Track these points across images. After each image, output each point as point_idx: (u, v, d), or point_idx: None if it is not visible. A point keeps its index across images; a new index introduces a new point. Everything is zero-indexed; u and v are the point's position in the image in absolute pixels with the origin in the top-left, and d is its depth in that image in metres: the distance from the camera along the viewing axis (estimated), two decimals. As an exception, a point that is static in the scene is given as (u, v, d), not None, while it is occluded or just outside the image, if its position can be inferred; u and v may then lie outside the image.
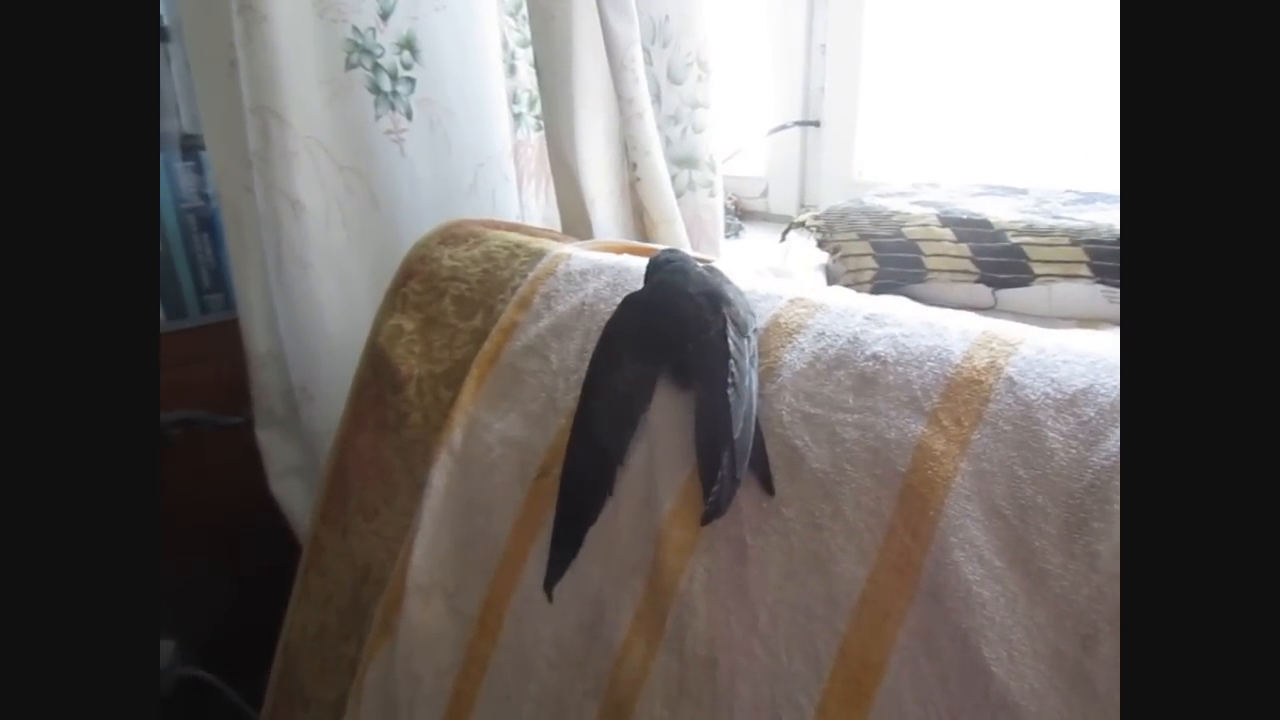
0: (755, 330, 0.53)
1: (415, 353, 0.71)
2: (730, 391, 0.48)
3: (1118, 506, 0.39)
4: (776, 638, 0.45)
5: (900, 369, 0.47)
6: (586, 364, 0.60)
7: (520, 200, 0.96)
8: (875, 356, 0.49)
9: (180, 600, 1.08)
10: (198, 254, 1.17)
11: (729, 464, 0.47)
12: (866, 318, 0.51)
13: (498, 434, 0.62)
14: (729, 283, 0.55)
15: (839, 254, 0.90)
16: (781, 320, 0.54)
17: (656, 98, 0.81)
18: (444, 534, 0.62)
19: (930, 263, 0.84)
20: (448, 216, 0.83)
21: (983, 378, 0.45)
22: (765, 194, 1.22)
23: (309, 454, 0.98)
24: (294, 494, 1.01)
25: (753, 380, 0.49)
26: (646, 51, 0.79)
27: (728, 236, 1.16)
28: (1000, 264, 0.80)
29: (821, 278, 0.92)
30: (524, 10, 0.87)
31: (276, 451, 1.03)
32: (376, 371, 0.74)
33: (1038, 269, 0.78)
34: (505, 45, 0.92)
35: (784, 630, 0.45)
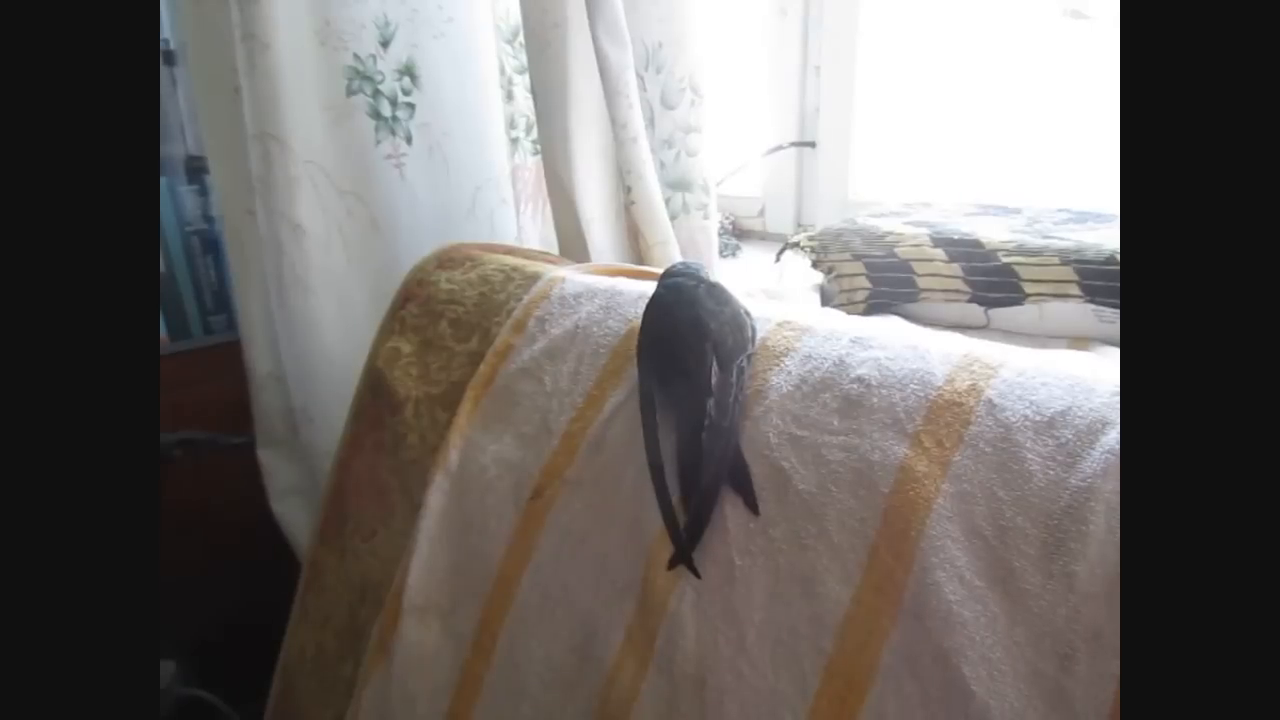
0: (749, 355, 0.54)
1: (413, 375, 0.72)
2: (705, 435, 0.49)
3: (1093, 528, 0.40)
4: (763, 657, 0.46)
5: (884, 391, 0.48)
6: (579, 386, 0.61)
7: (518, 223, 0.97)
8: (860, 379, 0.49)
9: (182, 620, 1.08)
10: (201, 275, 1.19)
11: (694, 509, 0.49)
12: (852, 341, 0.52)
13: (492, 455, 0.63)
14: (725, 305, 0.56)
15: (833, 274, 0.91)
16: (769, 343, 0.55)
17: (650, 122, 0.83)
18: (439, 555, 0.62)
19: (923, 282, 0.85)
20: (447, 239, 0.84)
21: (964, 400, 0.46)
22: (762, 213, 1.23)
23: (309, 474, 0.99)
24: (295, 514, 1.02)
25: (735, 414, 0.50)
26: (640, 77, 0.81)
27: (724, 256, 1.17)
28: (992, 283, 0.81)
29: (816, 298, 0.93)
30: (520, 38, 0.89)
31: (278, 471, 1.04)
32: (375, 394, 0.75)
33: (1029, 288, 0.79)
34: (502, 71, 0.94)
35: (771, 649, 0.46)
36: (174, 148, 1.17)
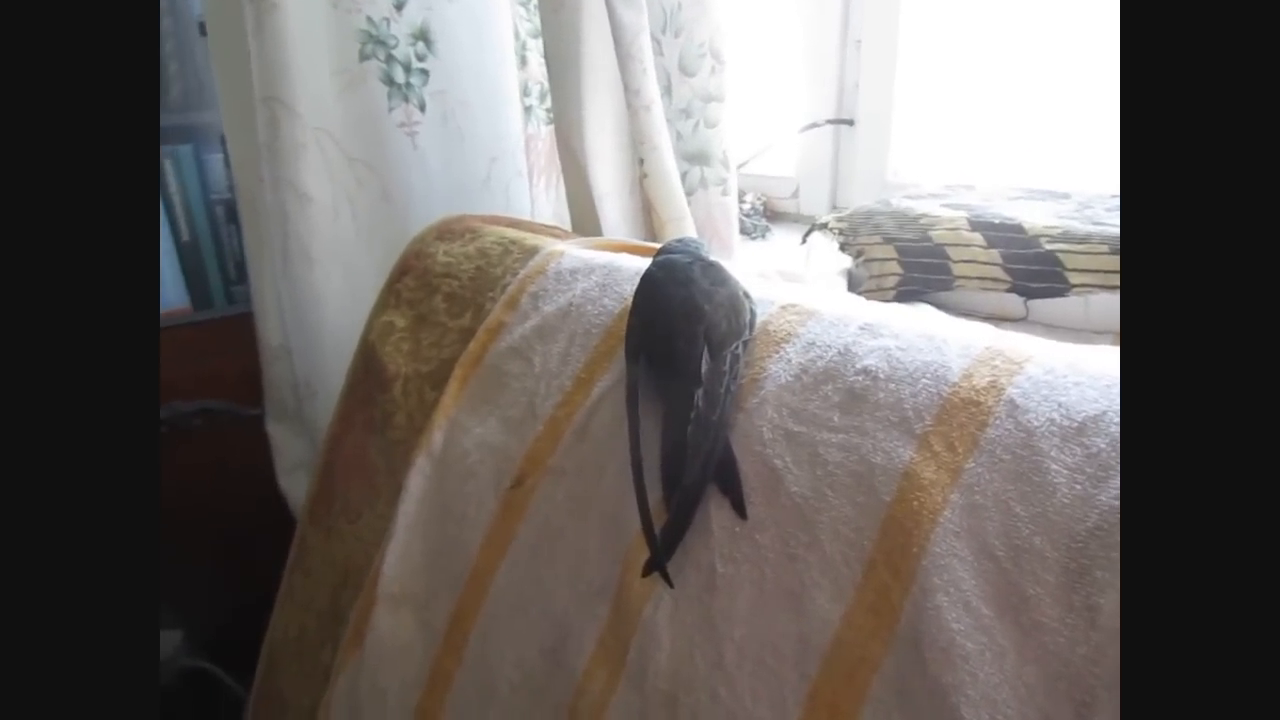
0: (745, 341, 0.49)
1: (404, 351, 0.69)
2: (690, 429, 0.44)
3: (1124, 554, 0.34)
4: (741, 678, 0.41)
5: (892, 386, 0.43)
6: (568, 368, 0.57)
7: (531, 195, 0.93)
8: (866, 371, 0.44)
9: (193, 590, 1.07)
10: (225, 245, 1.17)
11: (673, 511, 0.44)
12: (861, 327, 0.47)
13: (476, 439, 0.59)
14: (721, 285, 0.51)
15: (862, 258, 0.85)
16: (770, 328, 0.50)
17: (667, 90, 0.77)
18: (417, 542, 0.59)
19: (958, 269, 0.79)
20: (461, 211, 0.81)
21: (981, 399, 0.40)
22: (796, 194, 1.17)
23: (314, 449, 0.97)
24: (301, 488, 1.00)
25: (726, 406, 0.45)
26: (657, 41, 0.75)
27: (753, 237, 1.11)
28: (1033, 272, 0.74)
29: (843, 283, 0.87)
30: (534, -1, 0.84)
31: (286, 445, 1.02)
32: (367, 369, 0.71)
33: (1074, 278, 0.72)
34: (517, 36, 0.89)
35: (750, 670, 0.41)
36: (208, 116, 1.15)
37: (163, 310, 1.15)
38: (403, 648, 0.57)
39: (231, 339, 1.13)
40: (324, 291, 0.88)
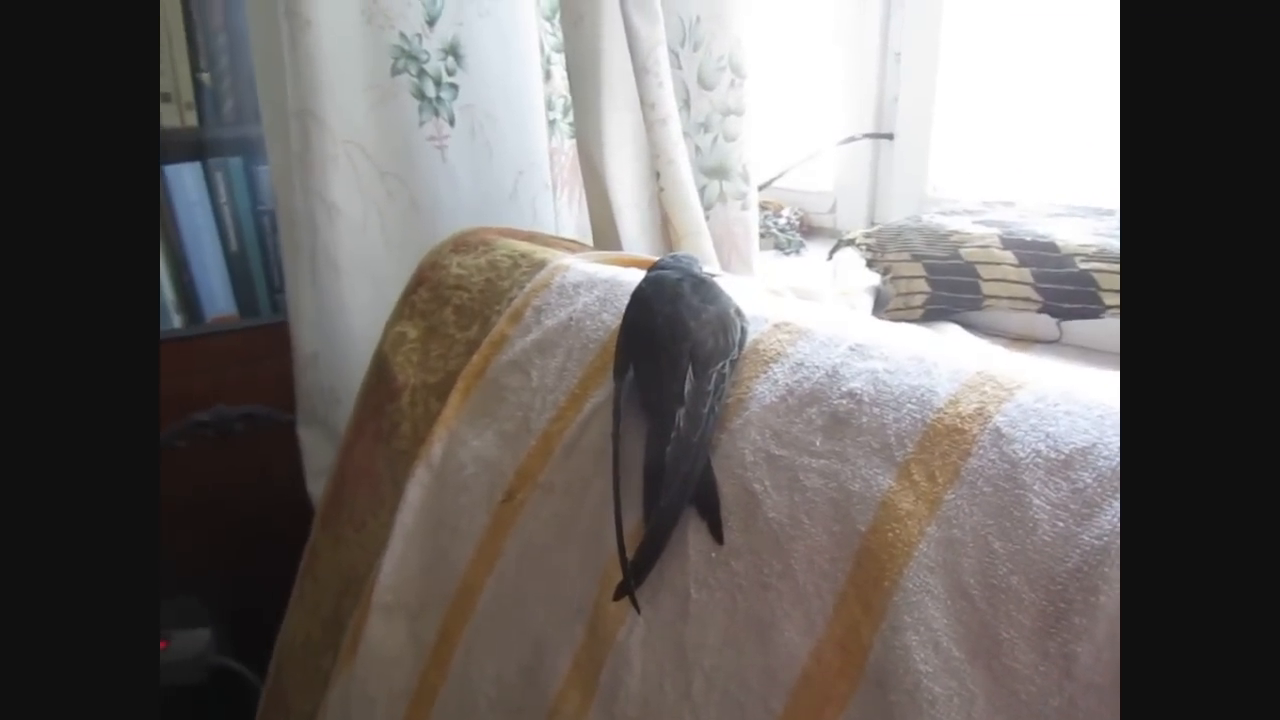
0: (732, 360, 0.48)
1: (414, 362, 0.69)
2: (670, 449, 0.43)
3: (1105, 599, 0.31)
4: (708, 709, 0.40)
5: (876, 410, 0.41)
6: (564, 383, 0.56)
7: (554, 208, 0.94)
8: (851, 394, 0.42)
9: (228, 590, 1.10)
10: (271, 255, 1.20)
11: (648, 534, 0.43)
12: (851, 348, 0.45)
13: (473, 452, 0.59)
14: (711, 303, 0.50)
15: (889, 275, 0.82)
16: (760, 347, 0.48)
17: (685, 104, 0.77)
18: (413, 553, 0.59)
19: (988, 288, 0.75)
20: (488, 224, 0.81)
21: (966, 427, 0.38)
22: (833, 209, 1.15)
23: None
24: (326, 495, 1.02)
25: (708, 427, 0.44)
26: (675, 54, 0.75)
27: (787, 253, 1.09)
28: (1066, 292, 0.70)
29: (870, 301, 0.84)
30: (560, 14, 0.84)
31: (317, 451, 1.04)
32: (380, 379, 0.72)
33: (1109, 299, 0.68)
34: (542, 50, 0.90)
35: (717, 701, 0.39)
36: (259, 130, 1.19)
37: (211, 317, 1.19)
38: (393, 659, 0.57)
39: (276, 346, 1.16)
40: (350, 302, 0.90)
